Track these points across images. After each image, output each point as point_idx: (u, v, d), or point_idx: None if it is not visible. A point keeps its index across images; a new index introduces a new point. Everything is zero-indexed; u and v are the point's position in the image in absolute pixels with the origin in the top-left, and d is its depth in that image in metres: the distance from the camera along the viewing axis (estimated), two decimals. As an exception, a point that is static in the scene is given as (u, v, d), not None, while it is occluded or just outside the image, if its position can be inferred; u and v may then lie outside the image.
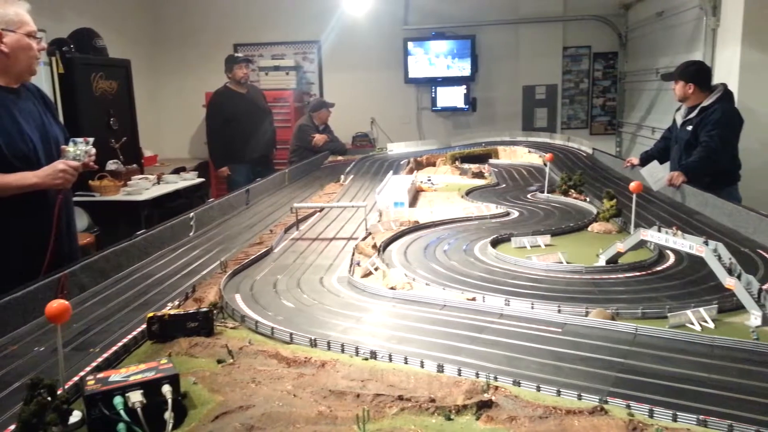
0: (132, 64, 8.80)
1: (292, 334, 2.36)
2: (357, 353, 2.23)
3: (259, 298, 2.86)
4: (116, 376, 1.85)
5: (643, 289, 2.88)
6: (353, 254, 3.46)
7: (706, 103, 5.30)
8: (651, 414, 1.73)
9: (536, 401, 1.82)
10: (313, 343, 2.30)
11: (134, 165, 8.23)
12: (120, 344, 2.30)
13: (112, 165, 7.59)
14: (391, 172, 6.10)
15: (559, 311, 2.55)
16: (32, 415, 1.61)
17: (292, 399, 1.93)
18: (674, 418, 1.72)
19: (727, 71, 6.65)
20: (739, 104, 5.55)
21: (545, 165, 5.54)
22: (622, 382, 1.99)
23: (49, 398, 1.64)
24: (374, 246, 3.63)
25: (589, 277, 3.08)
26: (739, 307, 2.52)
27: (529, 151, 7.52)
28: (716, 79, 6.69)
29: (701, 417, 1.71)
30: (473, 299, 2.73)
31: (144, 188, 7.44)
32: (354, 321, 2.56)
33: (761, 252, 3.36)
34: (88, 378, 1.84)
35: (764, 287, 2.55)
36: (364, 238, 3.84)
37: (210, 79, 10.18)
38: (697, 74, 5.43)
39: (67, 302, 1.73)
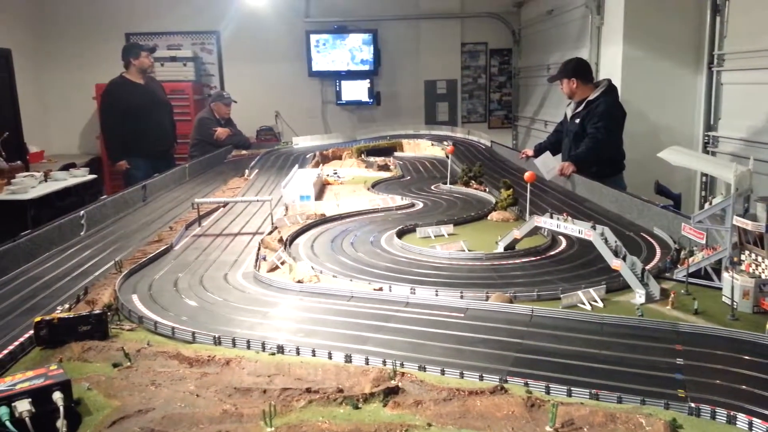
0: (13, 54, 8.14)
1: (194, 333, 2.29)
2: (263, 349, 2.20)
3: (158, 297, 2.75)
4: (1, 385, 1.72)
5: (538, 273, 3.03)
6: (259, 249, 3.40)
7: (591, 96, 5.64)
8: (548, 390, 1.83)
9: (441, 384, 1.87)
10: (217, 341, 2.24)
11: (18, 162, 7.64)
12: (5, 352, 2.14)
13: (-9, 162, 7.00)
14: (296, 165, 6.05)
15: (462, 297, 2.64)
16: None
17: (195, 399, 1.87)
18: (569, 393, 1.83)
19: (611, 67, 7.11)
20: (622, 98, 5.96)
21: (447, 157, 5.69)
22: (520, 361, 2.09)
23: None
24: (280, 240, 3.59)
25: (489, 263, 3.20)
26: (625, 287, 2.71)
27: (432, 144, 7.69)
28: (602, 75, 7.14)
29: (593, 391, 1.83)
30: (380, 289, 2.76)
31: (30, 186, 6.92)
32: (260, 316, 2.53)
33: (644, 235, 3.63)
34: None
35: (647, 267, 2.76)
36: (270, 233, 3.78)
37: (100, 70, 9.60)
38: (576, 69, 5.76)
39: None
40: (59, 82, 11.20)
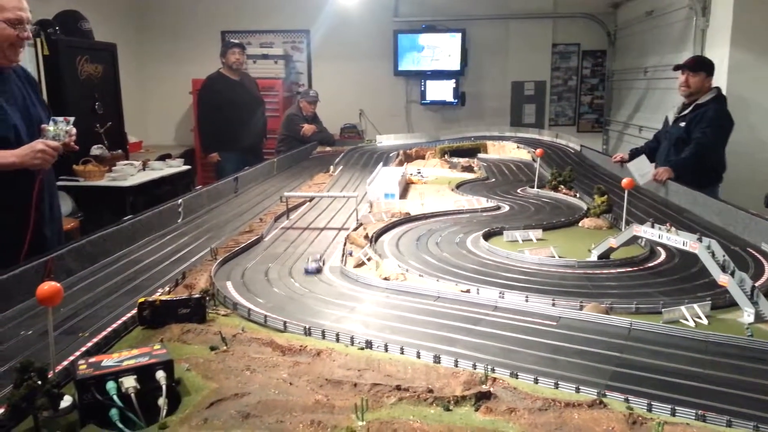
0: (118, 48, 8.65)
1: (285, 323, 2.33)
2: (352, 343, 2.21)
3: (250, 285, 2.83)
4: (108, 360, 1.81)
5: (635, 285, 2.89)
6: (345, 244, 3.43)
7: (702, 100, 5.34)
8: (649, 408, 1.73)
9: (535, 393, 1.81)
10: (308, 332, 2.27)
11: (119, 150, 8.11)
12: (110, 329, 2.25)
13: (96, 150, 7.47)
14: (381, 163, 6.08)
15: (554, 304, 2.55)
16: (22, 399, 1.56)
17: (288, 387, 1.90)
18: (673, 413, 1.72)
19: (716, 72, 6.70)
20: (728, 105, 5.61)
21: (535, 161, 5.54)
22: (619, 375, 1.99)
23: (39, 382, 1.60)
24: (366, 236, 3.61)
25: (581, 271, 3.08)
26: (732, 304, 2.54)
27: (518, 147, 7.53)
28: (705, 80, 6.73)
29: (699, 412, 1.71)
30: (467, 291, 2.71)
31: (129, 174, 7.34)
32: (347, 310, 2.54)
33: (751, 251, 3.39)
34: (79, 362, 1.79)
35: (757, 285, 2.57)
36: (356, 229, 3.81)
37: (196, 66, 10.05)
38: (710, 65, 5.47)
39: (58, 284, 1.69)
40: (158, 77, 11.82)
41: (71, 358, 2.00)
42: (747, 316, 2.41)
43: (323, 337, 2.25)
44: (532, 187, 5.13)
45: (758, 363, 2.09)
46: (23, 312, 2.54)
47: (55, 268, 2.88)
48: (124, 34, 10.84)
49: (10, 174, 3.26)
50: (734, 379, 1.98)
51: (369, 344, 2.18)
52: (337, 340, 2.22)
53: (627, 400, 1.78)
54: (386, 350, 2.16)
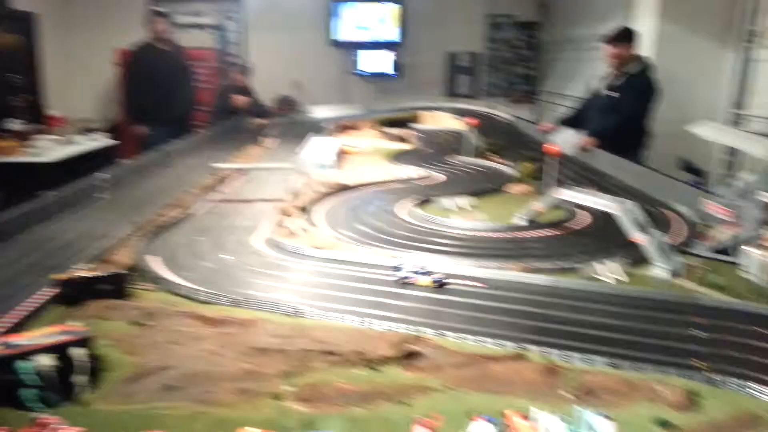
0: (41, 18, 8.12)
1: (213, 295, 2.29)
2: (282, 311, 2.19)
3: (178, 259, 2.76)
4: (23, 339, 1.73)
5: (559, 246, 2.99)
6: (278, 215, 3.39)
7: (631, 70, 5.50)
8: (566, 358, 1.81)
9: (460, 350, 1.86)
10: (236, 303, 2.24)
11: (38, 125, 7.69)
12: (26, 307, 2.15)
13: (13, 124, 7.05)
14: (315, 134, 6.01)
15: (481, 267, 2.61)
16: None
17: (214, 358, 1.88)
18: (587, 362, 1.80)
19: (644, 42, 6.91)
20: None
21: (467, 131, 5.61)
22: (540, 330, 2.07)
23: None
24: (300, 207, 3.58)
25: (509, 235, 3.16)
26: (648, 261, 2.67)
27: (452, 117, 7.59)
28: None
29: (612, 359, 1.80)
30: (397, 257, 2.75)
31: (49, 149, 6.97)
32: (279, 280, 2.53)
33: (667, 211, 3.56)
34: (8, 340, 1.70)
35: (670, 242, 2.71)
36: (289, 200, 3.77)
37: (121, 35, 9.56)
38: (633, 36, 5.60)
39: None
40: (83, 48, 11.20)
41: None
42: (661, 271, 2.54)
43: (253, 307, 2.23)
44: (465, 155, 5.20)
45: (668, 314, 2.21)
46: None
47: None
48: (48, 2, 10.20)
49: None
50: (647, 329, 2.10)
51: (298, 312, 2.17)
52: (266, 309, 2.21)
53: (546, 352, 1.85)
54: (316, 317, 2.16)
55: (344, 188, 4.11)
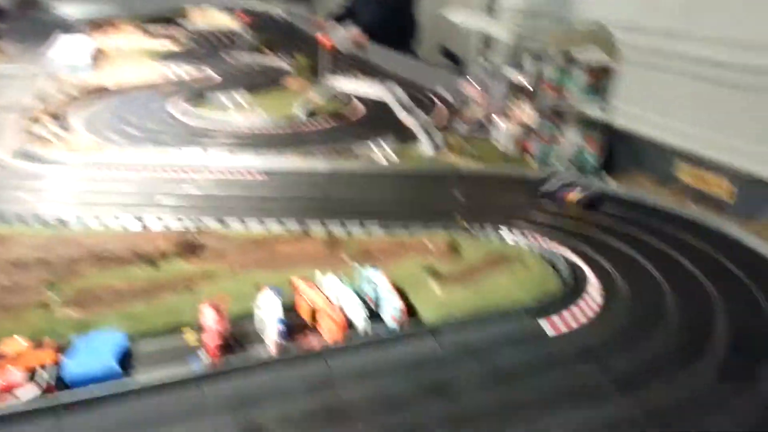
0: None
1: None
2: (42, 223, 2.49)
3: None
4: None
5: (336, 135, 4.06)
6: (25, 123, 3.25)
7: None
8: (345, 231, 2.73)
9: (246, 238, 2.57)
10: None
11: None
12: None
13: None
14: (65, 34, 5.43)
15: (260, 157, 3.21)
16: None
17: None
18: (364, 231, 2.77)
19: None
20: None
21: (241, 28, 5.60)
22: (321, 211, 3.13)
23: None
24: (51, 112, 3.53)
25: (288, 129, 3.79)
26: (414, 140, 3.65)
27: (222, 12, 7.28)
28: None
29: (388, 227, 2.77)
30: (171, 156, 3.10)
31: None
32: (35, 192, 2.84)
33: (430, 94, 4.60)
34: None
35: (433, 121, 3.71)
36: (38, 106, 3.62)
37: None
38: None
39: None
40: None
41: None
42: (426, 147, 3.59)
43: (6, 223, 2.43)
44: (239, 53, 5.34)
45: (434, 183, 3.31)
46: None
47: None
48: None
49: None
50: (415, 197, 3.20)
51: (62, 222, 2.53)
52: (24, 223, 2.44)
53: (327, 228, 2.77)
54: (82, 225, 2.51)
55: (104, 91, 4.15)
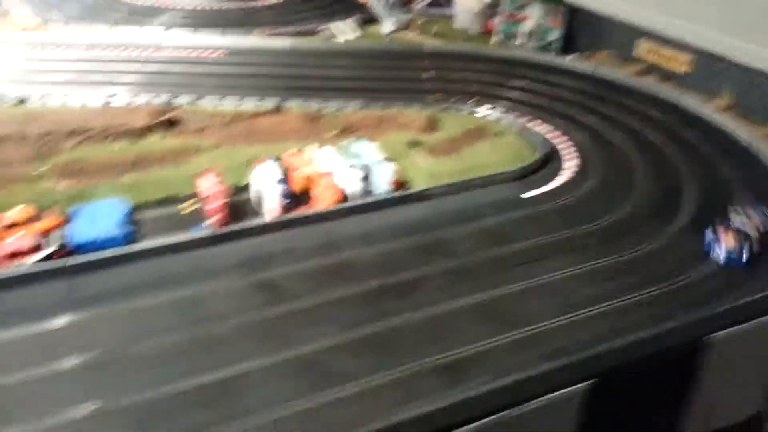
0: None
1: None
2: (4, 101, 2.61)
3: None
4: None
5: (296, 11, 4.00)
6: None
7: None
8: (325, 106, 3.02)
9: (221, 113, 2.82)
10: None
11: None
12: None
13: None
14: None
15: (222, 35, 3.41)
16: None
17: None
18: (343, 106, 3.07)
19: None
20: None
21: None
22: (293, 87, 3.34)
23: None
24: None
25: (243, 4, 3.93)
26: (376, 19, 3.85)
27: None
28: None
29: (365, 102, 3.07)
30: (127, 35, 3.25)
31: None
32: None
33: None
34: None
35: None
36: None
37: None
38: None
39: None
40: None
41: None
42: (388, 26, 3.83)
43: None
44: None
45: (400, 60, 3.55)
46: None
47: None
48: None
49: None
50: (385, 75, 3.47)
51: (22, 100, 2.67)
52: None
53: (303, 102, 3.09)
54: (48, 102, 2.73)
55: None
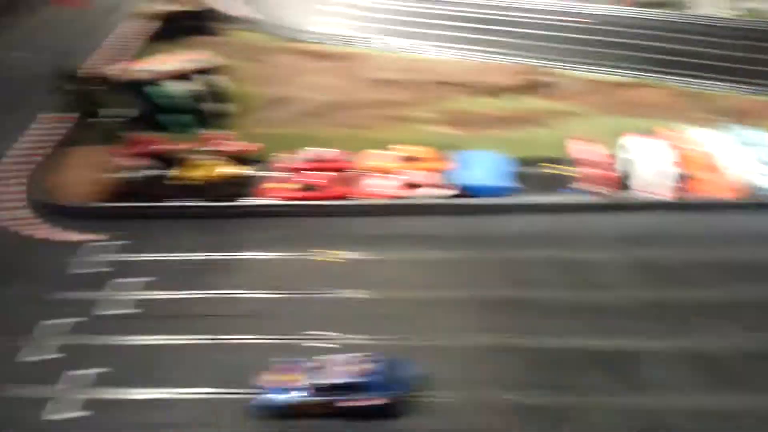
0: None
1: (300, 31, 2.36)
2: (386, 48, 2.28)
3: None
4: (159, 65, 1.93)
5: None
6: None
7: None
8: (691, 85, 1.95)
9: (586, 79, 2.06)
10: (337, 41, 2.28)
11: None
12: (123, 39, 2.34)
13: None
14: None
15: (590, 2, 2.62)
16: (90, 106, 1.75)
17: (340, 88, 2.28)
18: (715, 88, 1.92)
19: None
20: None
21: None
22: (659, 59, 2.24)
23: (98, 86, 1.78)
24: None
25: None
26: None
27: None
28: None
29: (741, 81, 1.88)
30: None
31: None
32: (346, 12, 2.54)
33: None
34: (130, 69, 1.95)
35: None
36: None
37: None
38: None
39: None
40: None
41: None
42: None
43: (348, 44, 2.31)
44: None
45: None
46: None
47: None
48: None
49: None
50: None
51: (404, 49, 2.28)
52: (367, 46, 2.27)
53: (668, 79, 2.03)
54: (421, 53, 2.29)
55: None
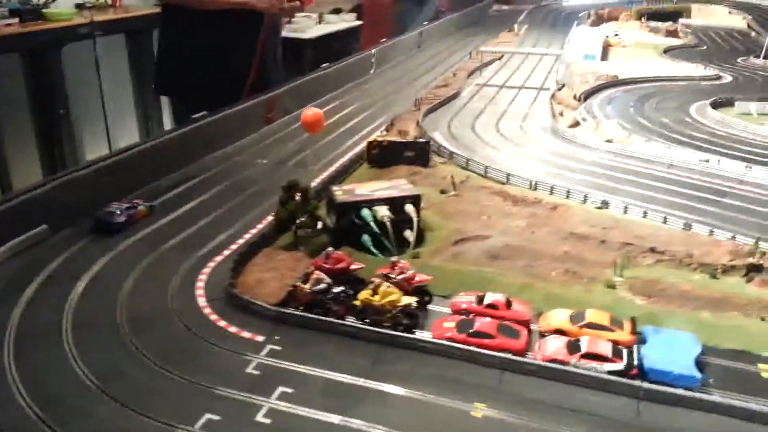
0: None
1: (508, 175, 2.76)
2: (585, 200, 2.61)
3: (459, 137, 3.29)
4: (362, 189, 2.41)
5: None
6: (551, 104, 3.66)
7: None
8: None
9: None
10: (533, 186, 2.72)
11: (296, 1, 8.40)
12: (339, 163, 2.86)
13: None
14: (575, 23, 6.03)
15: None
16: (289, 215, 2.23)
17: (531, 236, 2.50)
18: None
19: None
20: None
21: (755, 30, 5.09)
22: None
23: (302, 202, 2.22)
24: (575, 97, 3.84)
25: None
26: None
27: (730, 12, 6.78)
28: None
29: None
30: (707, 161, 2.96)
31: (307, 27, 7.85)
32: (568, 170, 2.87)
33: None
34: (334, 188, 2.43)
35: None
36: (560, 89, 4.07)
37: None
38: None
39: (320, 111, 2.25)
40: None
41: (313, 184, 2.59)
42: None
43: (551, 192, 2.66)
44: (758, 57, 4.85)
45: None
46: (254, 143, 3.27)
47: (277, 105, 3.63)
48: None
49: (241, 13, 3.91)
50: None
51: (605, 204, 2.60)
52: (567, 196, 2.62)
53: None
54: (625, 212, 2.58)
55: (617, 81, 4.24)
